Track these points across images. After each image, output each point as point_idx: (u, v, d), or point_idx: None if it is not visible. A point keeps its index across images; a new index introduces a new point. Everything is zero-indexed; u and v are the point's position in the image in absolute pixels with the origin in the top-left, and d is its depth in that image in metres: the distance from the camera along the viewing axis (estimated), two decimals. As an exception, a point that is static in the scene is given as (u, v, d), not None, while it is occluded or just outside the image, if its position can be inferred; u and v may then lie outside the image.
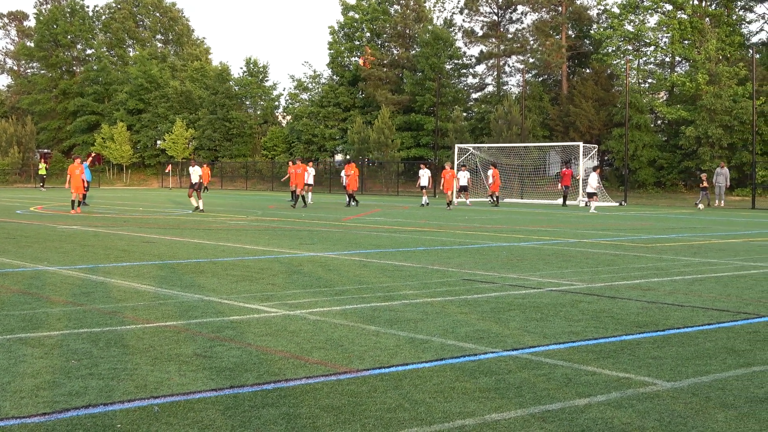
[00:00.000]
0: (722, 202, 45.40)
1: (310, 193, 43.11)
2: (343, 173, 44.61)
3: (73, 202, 32.28)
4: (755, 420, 5.83)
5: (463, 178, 46.05)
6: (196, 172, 34.29)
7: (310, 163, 44.82)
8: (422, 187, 43.29)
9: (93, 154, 68.63)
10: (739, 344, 8.37)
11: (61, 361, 7.37)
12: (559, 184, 46.87)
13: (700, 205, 40.76)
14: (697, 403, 6.24)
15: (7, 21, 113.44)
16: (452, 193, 41.43)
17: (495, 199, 44.93)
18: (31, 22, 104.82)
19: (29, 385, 6.53)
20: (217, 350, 7.82)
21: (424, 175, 43.14)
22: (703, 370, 7.28)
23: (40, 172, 70.67)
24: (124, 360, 7.41)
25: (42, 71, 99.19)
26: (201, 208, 33.62)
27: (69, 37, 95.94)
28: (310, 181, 43.55)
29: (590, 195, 39.08)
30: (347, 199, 41.91)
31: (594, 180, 39.00)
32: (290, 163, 43.18)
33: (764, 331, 9.08)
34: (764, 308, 10.66)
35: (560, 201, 48.06)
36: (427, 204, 43.01)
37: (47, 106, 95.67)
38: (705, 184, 43.80)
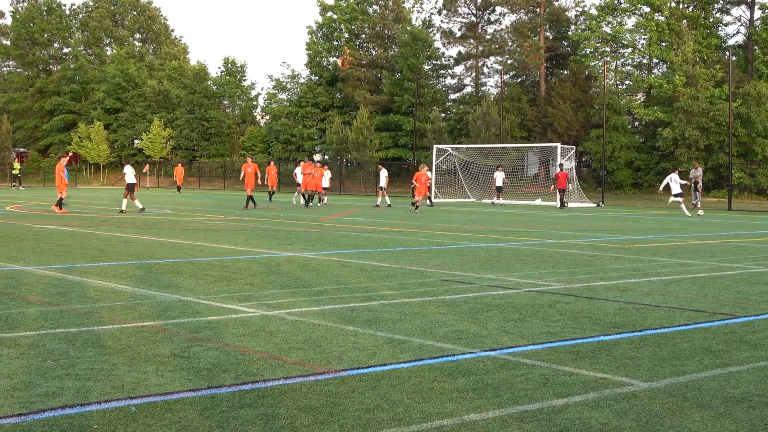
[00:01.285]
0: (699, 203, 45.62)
1: (322, 195, 42.72)
2: (298, 171, 42.35)
3: (60, 200, 31.74)
4: (731, 420, 5.86)
5: (499, 178, 46.75)
6: (131, 172, 33.07)
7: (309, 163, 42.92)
8: (381, 188, 43.19)
9: (69, 154, 68.15)
10: (715, 345, 8.42)
11: (38, 361, 7.32)
12: (552, 187, 46.74)
13: (700, 211, 38.50)
14: (673, 403, 6.28)
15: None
16: (421, 197, 40.56)
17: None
18: (7, 20, 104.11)
19: (5, 386, 6.48)
20: (195, 350, 7.79)
21: (383, 176, 43.22)
22: (679, 370, 7.31)
23: (14, 172, 70.17)
24: (101, 360, 7.37)
25: (18, 70, 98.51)
26: (123, 209, 32.37)
27: (46, 35, 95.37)
28: (327, 184, 43.19)
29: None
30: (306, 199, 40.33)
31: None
32: (302, 163, 42.16)
33: (740, 332, 9.14)
34: (740, 309, 10.73)
35: (539, 202, 48.29)
36: (388, 206, 41.31)
37: (23, 104, 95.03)
38: (698, 184, 43.66)
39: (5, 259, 15.39)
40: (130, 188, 33.03)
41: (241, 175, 39.48)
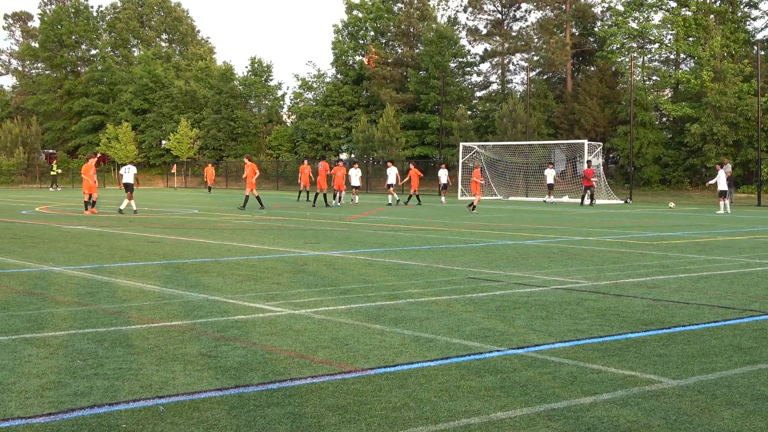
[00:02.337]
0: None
1: (352, 194, 42.69)
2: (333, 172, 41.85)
3: (86, 203, 31.66)
4: (761, 417, 5.81)
5: (550, 176, 46.68)
6: (130, 172, 32.59)
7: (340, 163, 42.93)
8: (389, 186, 43.31)
9: (98, 155, 68.52)
10: (745, 341, 8.35)
11: (67, 361, 7.37)
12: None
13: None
14: (702, 400, 6.23)
15: (11, 22, 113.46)
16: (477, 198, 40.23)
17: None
18: (35, 23, 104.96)
19: (34, 386, 6.53)
20: (222, 350, 7.81)
21: (392, 173, 43.41)
22: (708, 367, 7.26)
23: (52, 173, 70.71)
24: (129, 360, 7.41)
25: (47, 72, 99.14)
26: (122, 209, 31.71)
27: (73, 37, 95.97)
28: (357, 182, 43.21)
29: (723, 194, 35.90)
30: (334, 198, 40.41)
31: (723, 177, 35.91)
32: (334, 164, 42.22)
33: (770, 329, 9.06)
34: (770, 305, 10.64)
35: (566, 199, 48.09)
36: (398, 202, 42.73)
37: (52, 106, 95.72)
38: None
39: (35, 259, 15.51)
40: (128, 188, 32.37)
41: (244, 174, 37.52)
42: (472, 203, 34.86)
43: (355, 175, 43.19)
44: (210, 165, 66.80)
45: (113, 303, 10.49)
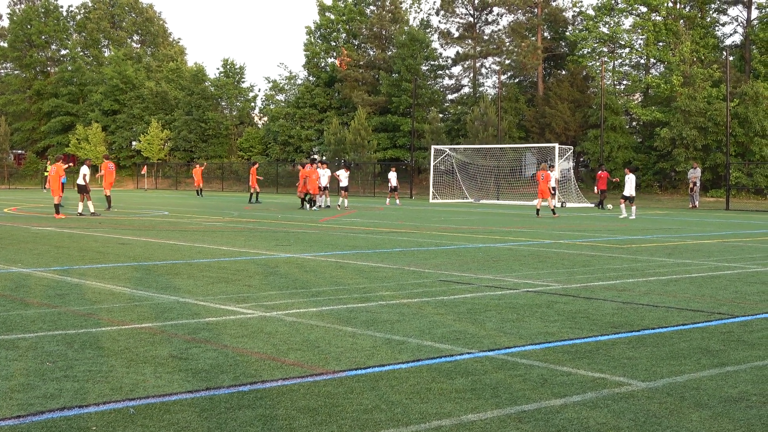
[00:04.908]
0: (697, 202, 45.67)
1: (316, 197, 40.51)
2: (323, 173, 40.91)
3: (56, 206, 30.66)
4: (729, 419, 5.87)
5: (552, 179, 46.11)
6: (81, 173, 31.51)
7: (324, 165, 42.04)
8: (393, 189, 43.53)
9: (64, 156, 67.64)
10: (713, 344, 8.43)
11: (36, 363, 7.33)
12: (595, 188, 45.23)
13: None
14: (671, 403, 6.29)
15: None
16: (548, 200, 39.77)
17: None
18: (4, 22, 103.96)
19: (3, 388, 6.48)
20: (193, 352, 7.79)
21: (393, 177, 43.60)
22: (677, 370, 7.32)
23: (45, 173, 69.72)
24: (99, 362, 7.37)
25: (16, 72, 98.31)
26: (80, 210, 30.91)
27: (43, 37, 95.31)
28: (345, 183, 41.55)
29: (628, 198, 34.44)
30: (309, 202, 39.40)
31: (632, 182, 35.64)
32: (303, 166, 41.37)
33: (738, 332, 9.15)
34: (738, 308, 10.74)
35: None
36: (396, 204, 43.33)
37: (21, 106, 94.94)
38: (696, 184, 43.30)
39: (3, 261, 15.39)
40: (82, 189, 31.15)
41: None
42: (553, 209, 34.54)
43: (344, 177, 41.64)
44: (198, 166, 62.55)
45: (83, 305, 10.43)
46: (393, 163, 63.60)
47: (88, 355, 7.65)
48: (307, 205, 38.58)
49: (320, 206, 39.37)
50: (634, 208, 33.90)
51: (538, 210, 35.05)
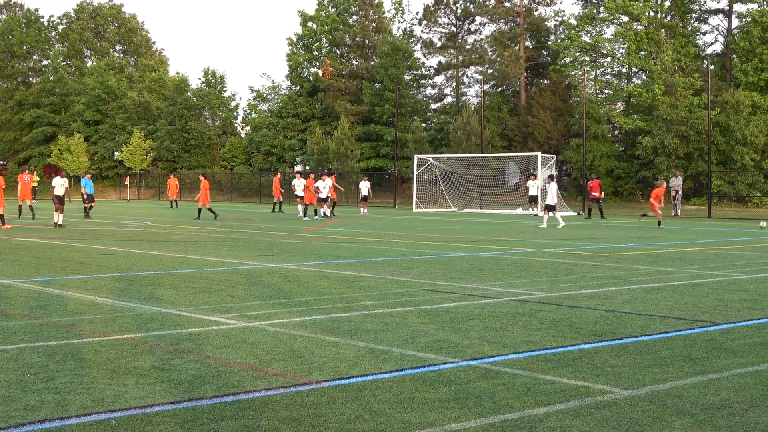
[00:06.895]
0: (679, 211, 45.83)
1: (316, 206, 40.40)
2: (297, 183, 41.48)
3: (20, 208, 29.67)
4: (711, 427, 5.88)
5: (533, 188, 45.76)
6: (60, 185, 31.38)
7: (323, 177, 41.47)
8: (364, 198, 43.83)
9: (54, 167, 67.29)
10: (695, 352, 8.45)
11: (17, 375, 7.28)
12: (590, 199, 43.99)
13: (679, 211, 37.27)
14: (654, 410, 6.29)
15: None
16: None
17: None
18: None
19: (-16, 400, 6.44)
20: (176, 363, 7.76)
21: (365, 187, 43.93)
22: (660, 377, 7.34)
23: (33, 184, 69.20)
24: (80, 373, 7.33)
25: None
26: (60, 223, 30.36)
27: (25, 47, 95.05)
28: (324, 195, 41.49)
29: (550, 208, 33.70)
30: (308, 211, 39.87)
31: (554, 190, 35.05)
32: (299, 175, 41.89)
33: (720, 339, 9.17)
34: (720, 316, 10.78)
35: (520, 211, 48.27)
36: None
37: (2, 117, 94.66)
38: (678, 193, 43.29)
39: (-16, 272, 15.29)
40: (60, 201, 30.87)
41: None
42: (659, 221, 33.95)
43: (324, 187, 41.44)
44: (172, 176, 62.14)
45: (65, 316, 10.37)
46: (366, 172, 63.64)
47: (70, 366, 7.60)
48: (304, 215, 39.05)
49: (322, 215, 39.65)
50: (557, 215, 33.24)
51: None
